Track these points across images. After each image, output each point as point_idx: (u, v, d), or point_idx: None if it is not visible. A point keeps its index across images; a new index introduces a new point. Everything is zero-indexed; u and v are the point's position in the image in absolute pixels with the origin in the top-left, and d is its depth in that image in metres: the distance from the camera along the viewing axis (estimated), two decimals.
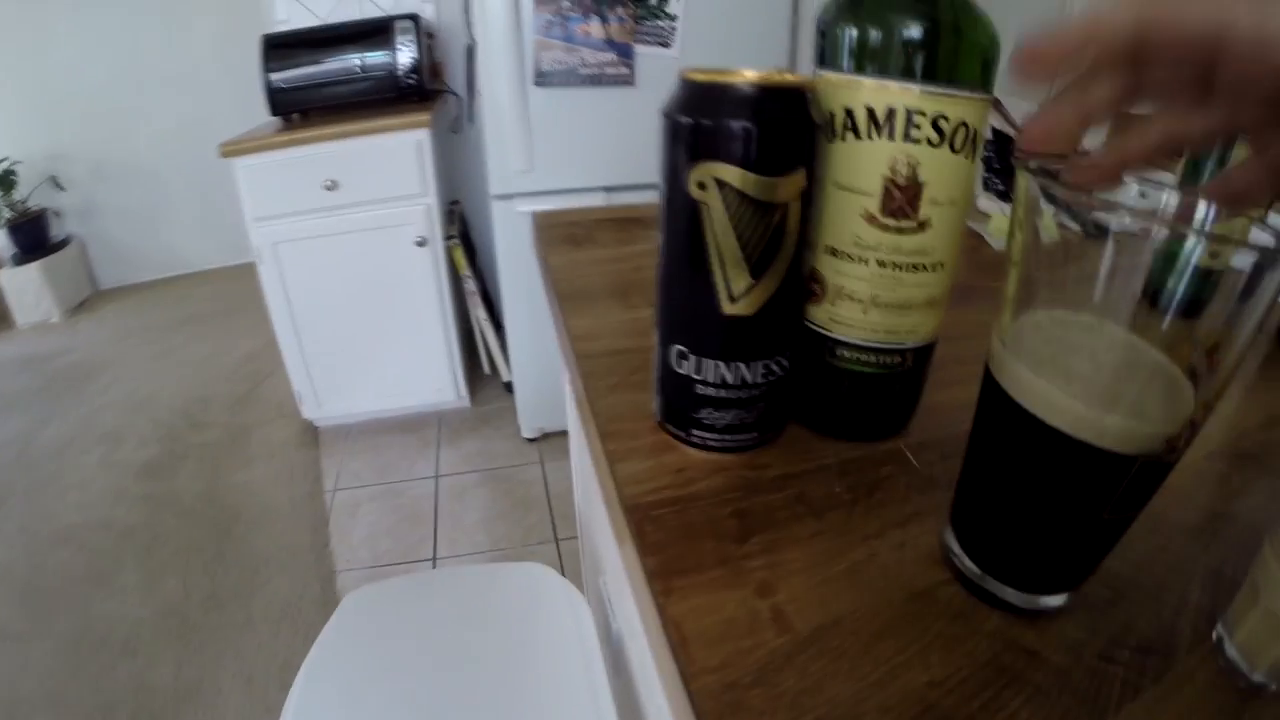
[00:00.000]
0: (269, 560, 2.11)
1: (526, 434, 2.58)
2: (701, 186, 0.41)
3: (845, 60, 0.44)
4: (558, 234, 0.94)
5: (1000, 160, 1.26)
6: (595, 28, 1.88)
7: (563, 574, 1.04)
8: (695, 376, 0.47)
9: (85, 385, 3.14)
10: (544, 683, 0.90)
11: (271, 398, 2.90)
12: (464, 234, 2.56)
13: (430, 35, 2.64)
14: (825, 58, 0.45)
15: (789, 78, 0.41)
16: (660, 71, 1.98)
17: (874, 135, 0.43)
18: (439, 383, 2.62)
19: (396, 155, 2.23)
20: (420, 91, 2.41)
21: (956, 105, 0.42)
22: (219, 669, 1.77)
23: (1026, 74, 0.29)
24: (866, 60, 0.43)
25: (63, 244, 3.94)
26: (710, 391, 0.46)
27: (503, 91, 1.95)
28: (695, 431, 0.49)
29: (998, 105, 1.26)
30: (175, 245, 4.30)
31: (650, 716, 0.72)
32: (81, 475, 2.51)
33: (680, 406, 0.49)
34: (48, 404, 2.99)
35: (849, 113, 0.43)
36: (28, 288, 3.72)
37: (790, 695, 0.34)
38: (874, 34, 0.43)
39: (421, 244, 2.34)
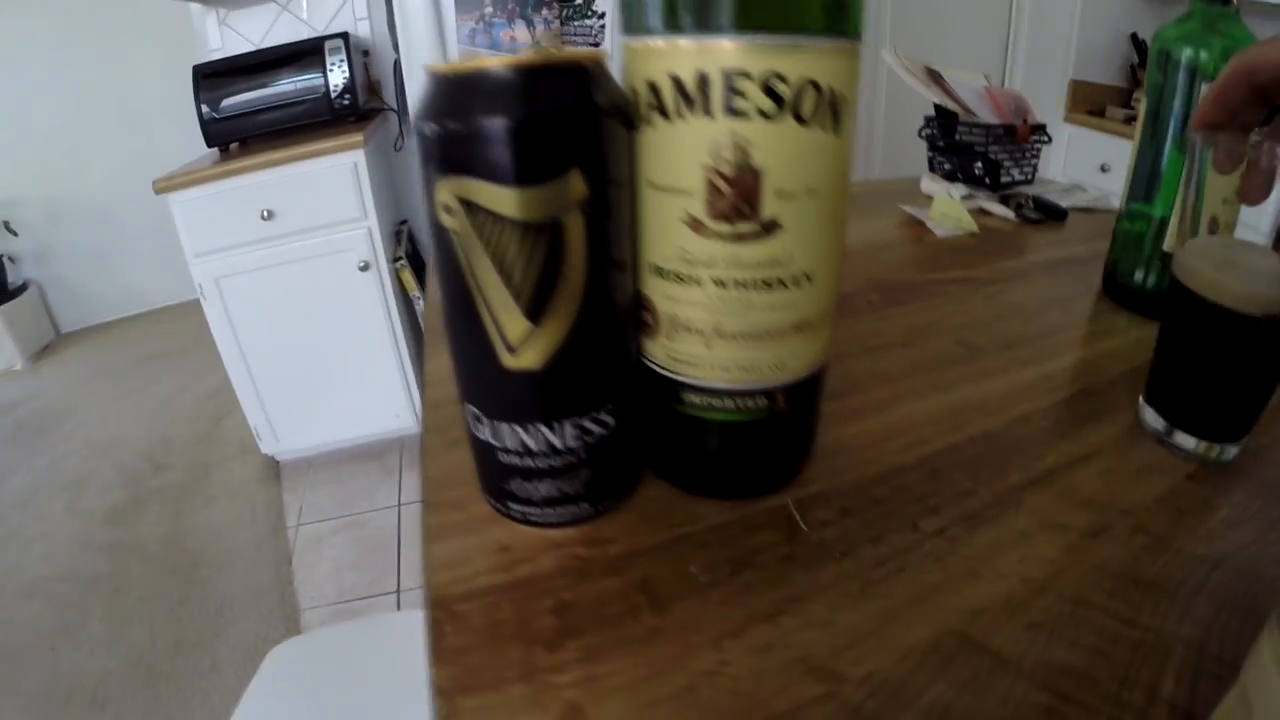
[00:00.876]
0: (233, 602, 2.06)
1: None
2: (448, 210, 0.31)
3: (652, 18, 0.32)
4: None
5: (945, 138, 1.18)
6: (521, 33, 1.81)
7: None
8: (494, 443, 0.37)
9: (49, 433, 3.07)
10: None
11: (232, 435, 2.84)
12: (413, 254, 2.48)
13: (365, 53, 2.57)
14: (630, 21, 0.34)
15: (559, 54, 0.31)
16: None
17: (685, 114, 0.32)
18: (397, 408, 2.55)
19: (332, 179, 2.16)
20: (356, 111, 2.33)
21: (798, 59, 0.31)
22: (186, 718, 1.72)
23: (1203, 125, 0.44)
24: (679, 13, 0.31)
25: (21, 289, 3.87)
26: (514, 460, 0.37)
27: None
28: (512, 505, 0.39)
29: (939, 80, 1.17)
30: (134, 283, 4.23)
31: None
32: (47, 526, 2.46)
33: (490, 476, 0.39)
34: (12, 454, 2.93)
35: (653, 88, 0.33)
36: None
37: None
38: None
39: (365, 268, 2.27)
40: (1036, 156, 1.18)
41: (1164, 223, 0.68)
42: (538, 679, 0.32)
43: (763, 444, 0.42)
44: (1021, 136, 1.12)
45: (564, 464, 0.37)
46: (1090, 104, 2.76)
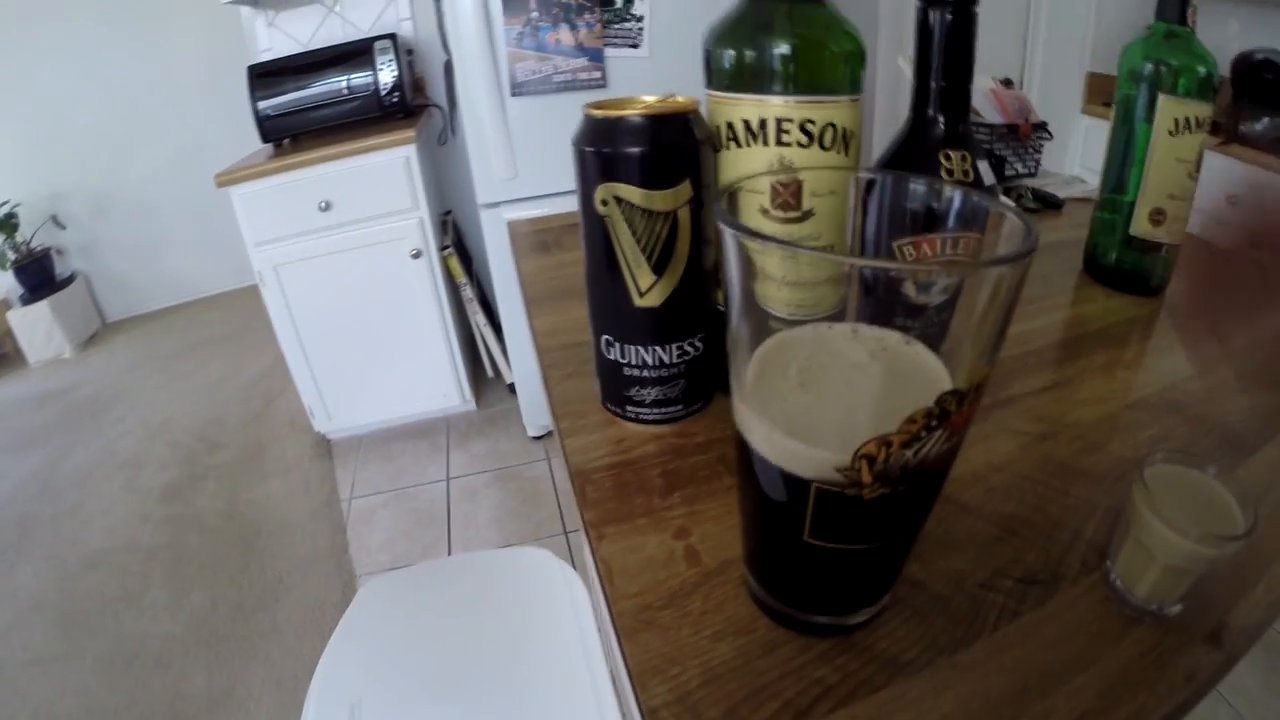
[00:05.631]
0: (291, 569, 2.16)
1: (532, 432, 2.64)
2: (604, 203, 0.49)
3: (727, 79, 0.51)
4: (529, 241, 1.02)
5: None
6: (565, 35, 1.94)
7: (571, 563, 1.10)
8: (621, 360, 0.55)
9: (102, 416, 3.18)
10: (545, 657, 0.96)
11: (284, 414, 2.97)
12: (458, 243, 2.63)
13: (410, 52, 2.71)
14: (711, 78, 0.53)
15: (672, 103, 0.49)
16: (632, 72, 2.03)
17: (752, 143, 0.50)
18: (445, 388, 2.68)
19: (386, 172, 2.30)
20: (404, 108, 2.48)
21: (821, 110, 0.49)
22: (249, 675, 1.82)
23: None
24: (746, 77, 0.50)
25: (68, 280, 4.01)
26: (635, 372, 0.55)
27: (481, 103, 2.01)
28: (628, 408, 0.57)
29: None
30: (179, 273, 4.36)
31: None
32: (105, 502, 2.57)
33: (613, 387, 0.57)
34: (67, 437, 3.04)
35: (730, 126, 0.51)
36: (38, 326, 3.79)
37: (695, 614, 0.42)
38: (749, 55, 0.49)
39: (417, 256, 2.41)
40: (1039, 152, 1.31)
41: (1132, 208, 0.82)
42: (656, 514, 0.50)
43: None
44: (1024, 134, 1.26)
45: (669, 375, 0.55)
46: (1107, 96, 2.74)
